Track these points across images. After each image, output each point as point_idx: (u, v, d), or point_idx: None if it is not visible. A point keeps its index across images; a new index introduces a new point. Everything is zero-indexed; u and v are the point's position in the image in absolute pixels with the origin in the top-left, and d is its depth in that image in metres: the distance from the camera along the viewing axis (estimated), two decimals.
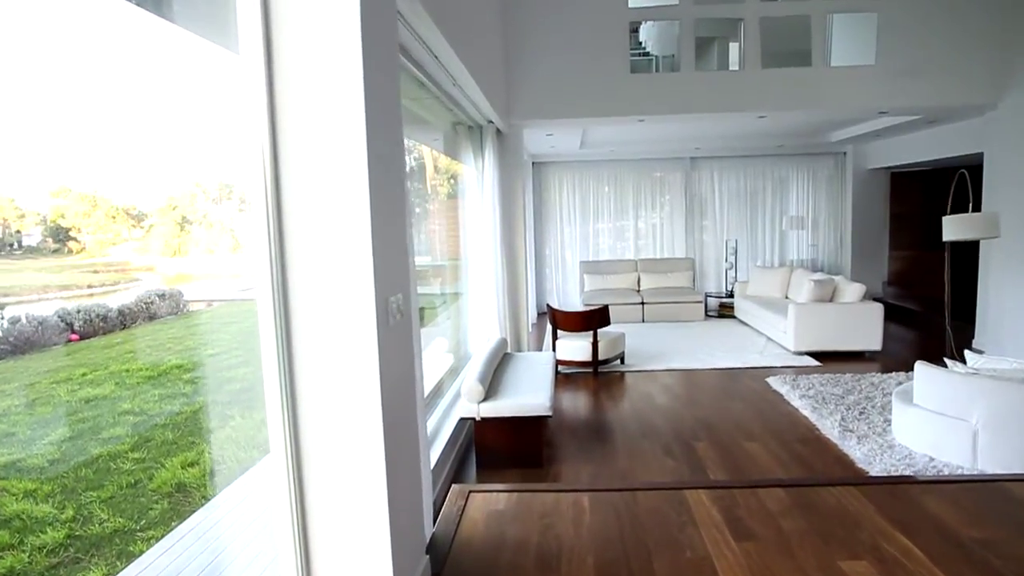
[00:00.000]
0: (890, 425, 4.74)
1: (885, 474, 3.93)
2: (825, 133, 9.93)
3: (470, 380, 4.12)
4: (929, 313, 9.80)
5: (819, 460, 4.26)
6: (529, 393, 4.24)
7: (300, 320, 1.88)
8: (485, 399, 4.13)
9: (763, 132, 9.45)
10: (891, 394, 5.52)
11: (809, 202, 11.06)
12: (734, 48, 7.82)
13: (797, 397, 5.57)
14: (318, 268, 1.85)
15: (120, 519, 3.17)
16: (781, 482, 3.35)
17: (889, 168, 10.55)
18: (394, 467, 2.01)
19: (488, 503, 3.14)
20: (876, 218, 10.86)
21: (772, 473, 4.06)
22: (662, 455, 4.42)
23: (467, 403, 4.14)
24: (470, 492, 3.24)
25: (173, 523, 3.36)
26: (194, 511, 3.48)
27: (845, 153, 10.87)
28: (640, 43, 8.51)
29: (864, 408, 5.18)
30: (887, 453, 4.22)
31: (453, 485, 3.28)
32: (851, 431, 4.68)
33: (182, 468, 3.66)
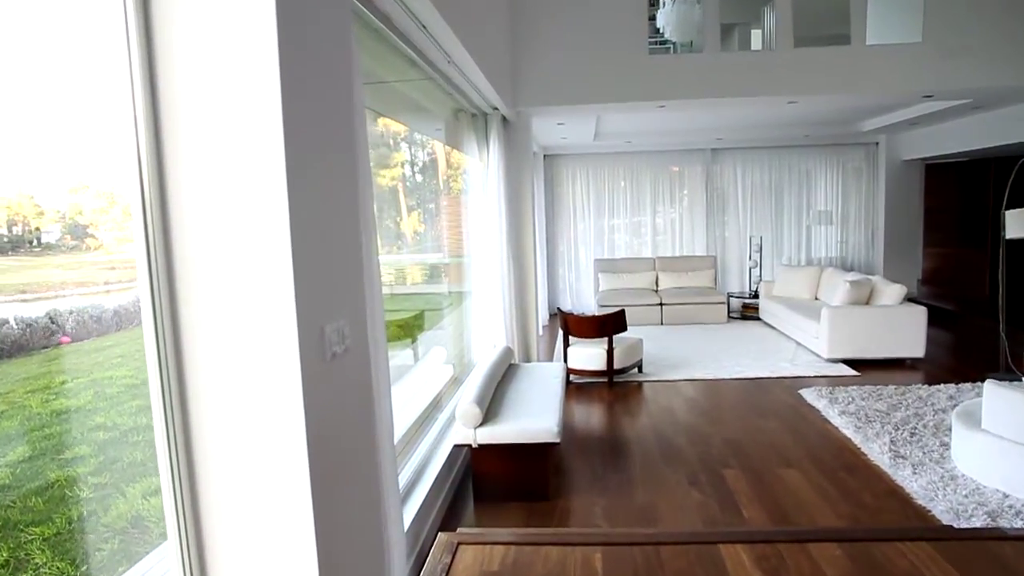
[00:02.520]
0: (948, 450, 4.15)
1: (951, 513, 3.35)
2: (857, 122, 9.28)
3: (466, 401, 3.59)
4: (968, 314, 9.15)
5: (870, 494, 3.68)
6: (534, 415, 3.70)
7: (195, 357, 1.35)
8: (483, 423, 3.60)
9: (790, 121, 8.83)
10: (942, 410, 4.93)
11: (838, 196, 10.40)
12: (756, 35, 7.25)
13: (836, 413, 4.98)
14: (218, 287, 1.32)
15: (60, 563, 2.67)
16: (836, 534, 2.77)
17: (924, 159, 9.88)
18: (333, 543, 1.48)
19: (480, 559, 2.58)
20: (910, 213, 10.19)
21: (816, 510, 3.50)
22: (687, 485, 3.87)
23: (462, 428, 3.61)
24: (459, 544, 2.69)
25: (120, 568, 2.87)
26: (147, 552, 3.00)
27: (877, 144, 10.20)
28: (658, 30, 7.93)
29: (915, 428, 4.59)
30: (950, 487, 3.63)
31: (440, 534, 2.73)
32: (903, 457, 4.09)
33: (143, 498, 3.19)
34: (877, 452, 4.21)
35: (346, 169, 1.64)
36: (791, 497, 3.66)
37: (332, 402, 1.50)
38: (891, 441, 4.35)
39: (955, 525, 3.21)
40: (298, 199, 1.32)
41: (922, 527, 3.25)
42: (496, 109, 5.68)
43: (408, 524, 3.07)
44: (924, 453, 4.13)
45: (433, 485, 3.49)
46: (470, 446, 3.62)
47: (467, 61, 3.96)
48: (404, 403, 4.09)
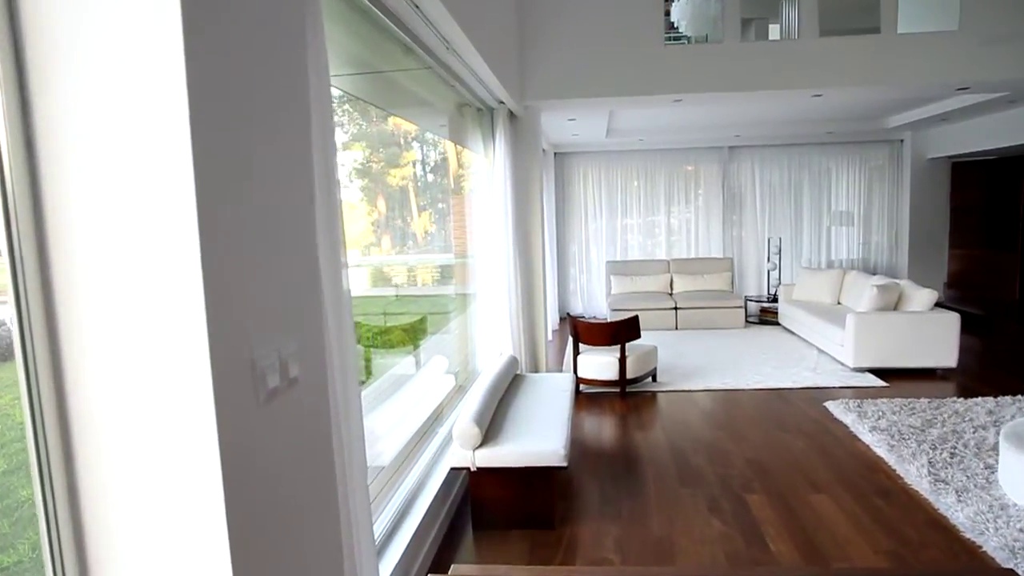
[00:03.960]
0: (994, 474, 3.78)
1: (1006, 550, 2.99)
2: (882, 117, 8.88)
3: (464, 420, 3.26)
4: (998, 319, 8.74)
5: (910, 525, 3.32)
6: (539, 435, 3.37)
7: (80, 404, 1.03)
8: (483, 444, 3.28)
9: (812, 116, 8.45)
10: (983, 427, 4.56)
11: (861, 196, 9.98)
12: (775, 31, 6.90)
13: (866, 429, 4.62)
14: (105, 315, 1.00)
15: None
16: None
17: (951, 157, 9.45)
18: None
19: None
20: (935, 214, 9.75)
21: (852, 545, 3.15)
22: (706, 512, 3.52)
23: (460, 449, 3.28)
24: None
25: None
26: None
27: (902, 141, 9.77)
28: (673, 24, 7.59)
29: (955, 447, 4.22)
30: (1001, 519, 3.27)
31: None
32: (944, 481, 3.73)
33: None
34: (915, 475, 3.85)
35: (296, 159, 1.33)
36: (823, 528, 3.31)
37: (269, 452, 1.18)
38: (929, 462, 3.98)
39: (1014, 566, 2.85)
40: (213, 198, 1.00)
41: (978, 568, 2.89)
42: (502, 103, 5.36)
43: (397, 559, 2.76)
44: (968, 477, 3.76)
45: (428, 511, 3.18)
46: (468, 469, 3.30)
47: (467, 48, 3.64)
48: (402, 416, 3.78)
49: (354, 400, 1.71)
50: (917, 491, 3.70)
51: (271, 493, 1.19)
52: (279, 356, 1.21)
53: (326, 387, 1.45)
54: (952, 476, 3.79)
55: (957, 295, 9.73)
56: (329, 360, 1.52)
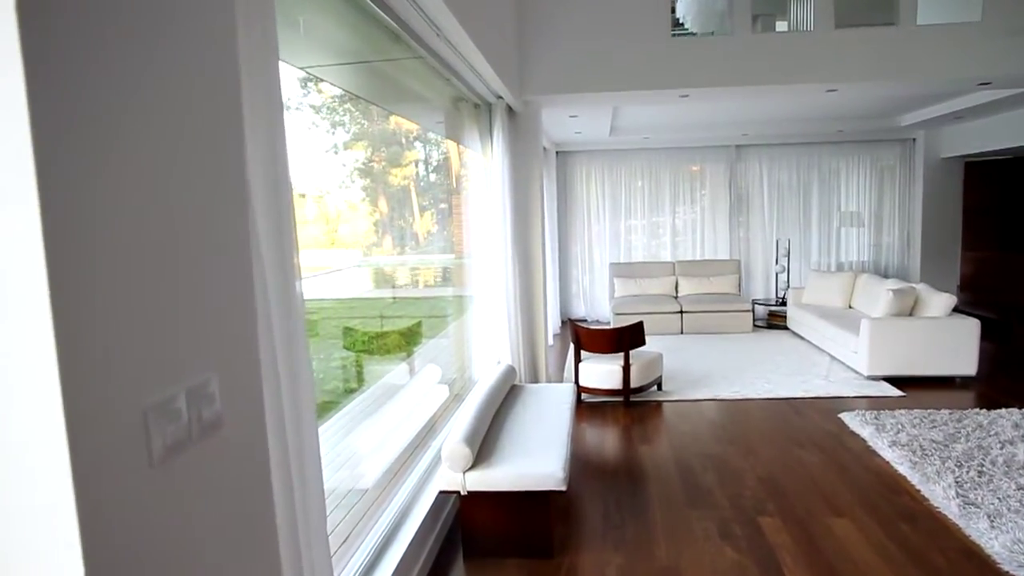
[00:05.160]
0: None
1: None
2: (895, 115, 8.58)
3: (453, 440, 2.99)
4: (1012, 323, 8.45)
5: (940, 555, 3.05)
6: (536, 456, 3.10)
7: None
8: (474, 466, 3.01)
9: (823, 114, 8.15)
10: (1010, 442, 4.29)
11: (872, 196, 9.70)
12: (782, 27, 6.64)
13: (886, 444, 4.34)
14: None
15: None
16: None
17: (965, 157, 9.16)
18: None
19: None
20: (948, 215, 9.46)
21: (876, 573, 2.88)
22: (718, 538, 3.25)
23: (449, 471, 3.02)
24: None
25: None
26: None
27: (915, 140, 9.48)
28: (679, 21, 7.32)
29: (982, 464, 3.94)
30: None
31: None
32: (975, 504, 3.45)
33: None
34: (941, 497, 3.58)
35: (217, 148, 1.06)
36: (845, 558, 3.03)
37: (169, 526, 0.91)
38: (956, 482, 3.71)
39: None
40: (69, 197, 0.74)
41: None
42: (501, 98, 5.10)
43: None
44: (999, 500, 3.48)
45: (414, 538, 2.92)
46: (458, 493, 3.03)
47: (460, 35, 3.37)
48: (395, 427, 3.52)
49: (309, 435, 1.44)
50: (945, 515, 3.43)
51: None
52: (187, 396, 0.95)
53: (263, 426, 1.18)
54: (982, 498, 3.51)
55: (970, 298, 9.43)
56: (271, 392, 1.25)
